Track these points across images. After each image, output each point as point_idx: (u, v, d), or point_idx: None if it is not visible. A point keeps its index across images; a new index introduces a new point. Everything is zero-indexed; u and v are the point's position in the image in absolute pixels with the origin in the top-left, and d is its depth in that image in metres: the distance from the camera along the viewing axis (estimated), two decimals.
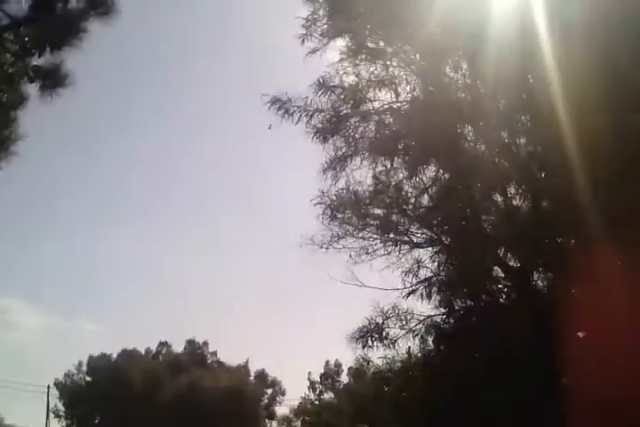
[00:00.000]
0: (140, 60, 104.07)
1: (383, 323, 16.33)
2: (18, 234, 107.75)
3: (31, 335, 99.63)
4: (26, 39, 9.32)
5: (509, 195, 15.15)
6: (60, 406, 66.79)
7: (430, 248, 16.38)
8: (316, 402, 39.42)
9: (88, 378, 67.26)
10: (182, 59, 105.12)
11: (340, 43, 15.81)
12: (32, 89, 9.74)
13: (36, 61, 9.49)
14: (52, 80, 9.51)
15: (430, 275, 16.14)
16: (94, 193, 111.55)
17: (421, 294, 16.05)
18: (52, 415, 65.57)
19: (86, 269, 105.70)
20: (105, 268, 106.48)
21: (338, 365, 68.18)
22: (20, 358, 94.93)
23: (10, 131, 10.13)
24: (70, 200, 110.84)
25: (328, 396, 55.92)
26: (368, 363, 17.33)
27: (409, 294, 16.05)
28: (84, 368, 67.79)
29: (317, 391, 67.70)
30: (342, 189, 16.55)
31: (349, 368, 39.63)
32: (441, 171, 15.66)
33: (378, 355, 16.97)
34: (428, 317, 16.21)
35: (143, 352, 69.02)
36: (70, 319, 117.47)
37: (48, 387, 65.07)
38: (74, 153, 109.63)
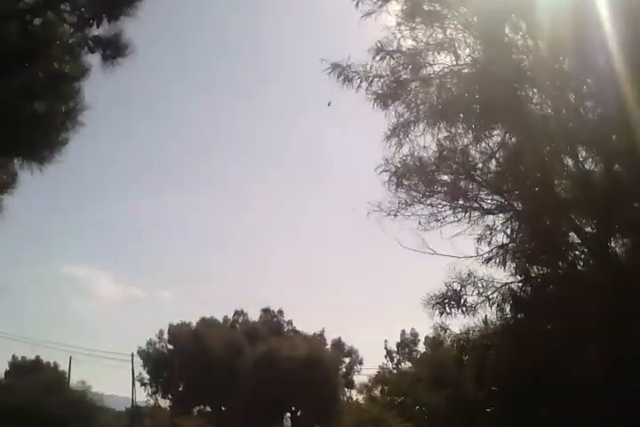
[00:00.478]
0: (197, 22, 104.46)
1: (461, 289, 16.09)
2: (90, 207, 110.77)
3: (111, 304, 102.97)
4: (82, 10, 9.24)
5: (580, 158, 14.55)
6: (145, 374, 68.66)
7: (502, 214, 16.03)
8: (394, 371, 39.31)
9: (170, 346, 68.81)
10: (240, 22, 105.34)
11: (395, 6, 15.29)
12: (94, 59, 9.70)
13: (95, 32, 9.42)
14: (113, 50, 9.46)
15: (504, 242, 15.76)
16: (162, 161, 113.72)
17: (496, 262, 15.72)
18: (137, 383, 67.73)
19: (161, 239, 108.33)
20: (180, 237, 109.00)
21: (414, 334, 68.17)
22: (103, 327, 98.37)
23: (75, 102, 10.16)
24: (139, 169, 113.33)
25: (406, 365, 55.98)
26: (446, 331, 17.02)
27: (486, 261, 15.67)
28: (166, 336, 69.37)
29: (395, 361, 67.94)
30: (407, 155, 16.22)
31: (426, 337, 39.39)
32: (507, 135, 15.15)
33: (455, 322, 16.73)
34: (505, 284, 15.89)
35: (221, 321, 70.17)
36: (149, 289, 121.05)
37: (132, 355, 67.07)
38: (138, 120, 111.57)
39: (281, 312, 73.13)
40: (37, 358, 69.67)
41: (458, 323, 16.81)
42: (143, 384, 68.64)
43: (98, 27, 9.29)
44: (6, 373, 66.30)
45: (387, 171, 16.40)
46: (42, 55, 9.59)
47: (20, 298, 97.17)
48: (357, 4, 15.32)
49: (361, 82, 15.49)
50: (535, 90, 14.63)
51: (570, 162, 14.70)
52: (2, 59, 9.03)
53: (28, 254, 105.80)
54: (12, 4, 9.37)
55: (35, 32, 9.47)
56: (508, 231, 15.81)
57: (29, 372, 60.64)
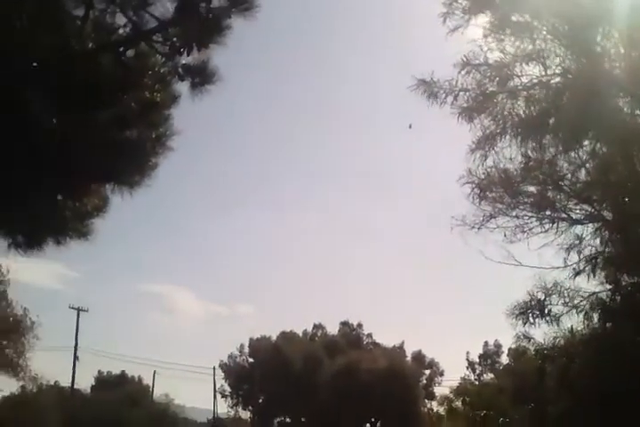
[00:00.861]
0: (286, 45, 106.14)
1: (545, 299, 16.07)
2: (169, 227, 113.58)
3: (194, 320, 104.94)
4: (174, 39, 9.65)
5: None
6: (226, 387, 69.69)
7: (591, 224, 15.93)
8: (476, 382, 38.92)
9: (250, 359, 69.60)
10: (325, 42, 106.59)
11: (483, 19, 15.32)
12: (183, 87, 10.11)
13: (184, 60, 9.83)
14: (201, 77, 9.83)
15: (593, 251, 15.64)
16: (243, 180, 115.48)
17: (585, 271, 15.63)
18: (218, 395, 68.79)
19: (240, 256, 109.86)
20: (257, 254, 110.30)
21: (497, 346, 67.05)
22: (185, 342, 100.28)
23: (165, 128, 10.59)
24: (219, 188, 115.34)
25: (488, 377, 55.23)
26: (529, 340, 17.01)
27: (575, 273, 15.62)
28: (247, 350, 70.21)
29: (477, 372, 67.02)
30: (491, 167, 16.28)
31: (509, 349, 38.93)
32: (598, 144, 15.06)
33: (539, 332, 16.68)
34: (593, 293, 15.81)
35: (300, 334, 70.60)
36: (229, 304, 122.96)
37: (214, 368, 68.33)
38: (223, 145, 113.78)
39: (360, 325, 73.14)
40: (123, 372, 71.63)
41: (541, 333, 16.80)
42: (224, 396, 69.72)
43: (188, 55, 9.66)
44: (92, 387, 68.38)
45: (470, 182, 16.52)
46: (135, 85, 10.07)
47: (106, 315, 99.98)
48: (445, 20, 15.40)
49: (446, 97, 15.59)
50: (627, 98, 14.54)
51: None
52: (97, 90, 9.53)
53: (114, 273, 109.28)
54: (106, 36, 9.86)
55: (128, 63, 9.95)
56: (598, 241, 15.72)
57: (115, 386, 62.35)
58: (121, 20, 9.58)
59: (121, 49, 9.99)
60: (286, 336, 67.43)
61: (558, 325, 16.31)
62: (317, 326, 74.15)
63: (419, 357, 68.80)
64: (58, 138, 9.49)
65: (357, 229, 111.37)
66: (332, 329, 73.15)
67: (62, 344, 61.92)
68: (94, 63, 9.69)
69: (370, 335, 72.69)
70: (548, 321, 16.21)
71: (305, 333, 71.80)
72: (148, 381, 66.80)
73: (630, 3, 12.98)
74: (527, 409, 19.65)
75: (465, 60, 15.40)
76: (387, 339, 76.81)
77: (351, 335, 71.27)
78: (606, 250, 15.50)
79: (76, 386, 58.01)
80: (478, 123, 15.81)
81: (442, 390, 64.11)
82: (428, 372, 69.41)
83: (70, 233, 11.11)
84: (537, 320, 16.21)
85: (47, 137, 9.40)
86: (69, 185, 10.50)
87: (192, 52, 9.63)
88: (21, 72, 8.98)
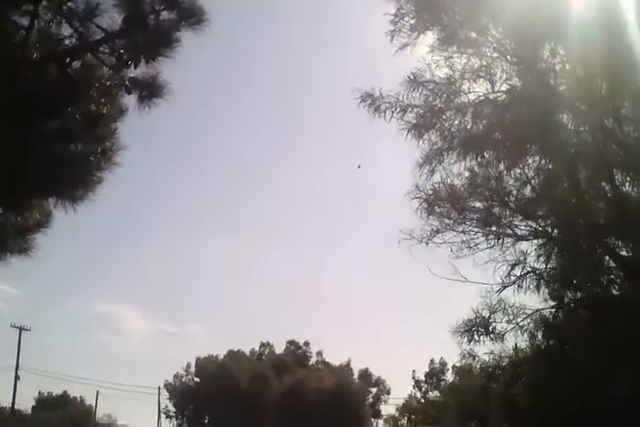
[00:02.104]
0: (234, 62, 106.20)
1: (490, 317, 16.05)
2: (122, 242, 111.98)
3: (140, 339, 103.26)
4: (121, 51, 9.47)
5: (617, 182, 14.57)
6: (171, 407, 68.81)
7: (535, 240, 16.00)
8: (422, 400, 38.86)
9: (196, 379, 68.78)
10: (275, 59, 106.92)
11: (430, 36, 15.40)
12: (130, 100, 9.89)
13: (132, 73, 9.63)
14: (149, 91, 9.64)
15: (536, 267, 15.72)
16: (193, 201, 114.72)
17: (528, 288, 15.70)
18: (163, 416, 67.67)
19: (188, 275, 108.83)
20: (206, 273, 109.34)
21: (443, 363, 67.44)
22: (131, 362, 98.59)
23: (111, 142, 10.34)
24: (171, 208, 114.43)
25: (434, 394, 55.33)
26: (474, 358, 16.94)
27: (515, 286, 15.67)
28: (192, 369, 69.37)
29: (423, 390, 67.24)
30: (439, 182, 16.34)
31: (454, 367, 39.12)
32: (543, 161, 15.18)
33: (484, 350, 16.66)
34: (537, 310, 15.85)
35: (248, 353, 70.06)
36: (177, 324, 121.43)
37: (159, 388, 67.24)
38: (173, 159, 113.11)
39: (307, 344, 72.94)
40: (64, 392, 70.18)
41: (486, 351, 16.80)
42: (169, 417, 68.76)
43: (135, 68, 9.50)
44: (33, 408, 66.72)
45: (418, 198, 16.52)
46: (80, 98, 9.83)
47: (48, 334, 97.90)
48: (392, 38, 15.41)
49: (393, 112, 15.58)
50: (572, 115, 14.66)
51: (606, 186, 14.74)
52: (41, 101, 9.28)
53: (57, 291, 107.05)
54: (52, 47, 9.64)
55: (74, 75, 9.72)
56: (542, 257, 15.80)
57: (56, 406, 60.96)
58: (67, 30, 9.38)
59: (67, 60, 9.73)
60: (233, 355, 66.93)
61: (503, 342, 16.33)
62: (265, 345, 73.84)
63: (365, 375, 68.80)
64: None
65: (304, 246, 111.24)
66: (280, 348, 72.84)
67: (3, 364, 60.34)
68: (39, 74, 9.45)
69: (320, 353, 72.60)
70: (492, 339, 16.19)
71: (252, 351, 71.37)
72: (91, 401, 65.50)
73: (576, 20, 13.12)
74: (472, 426, 19.62)
75: (412, 77, 15.43)
76: (334, 357, 76.71)
77: (298, 354, 70.97)
78: (549, 266, 15.59)
79: (16, 406, 56.60)
80: (426, 138, 15.80)
81: (388, 408, 64.31)
82: (374, 390, 69.45)
83: (11, 249, 10.75)
84: (482, 338, 16.16)
85: None
86: (10, 198, 10.16)
87: (140, 64, 9.46)
88: None
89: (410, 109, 15.61)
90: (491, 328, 16.04)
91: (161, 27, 9.29)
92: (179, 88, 9.89)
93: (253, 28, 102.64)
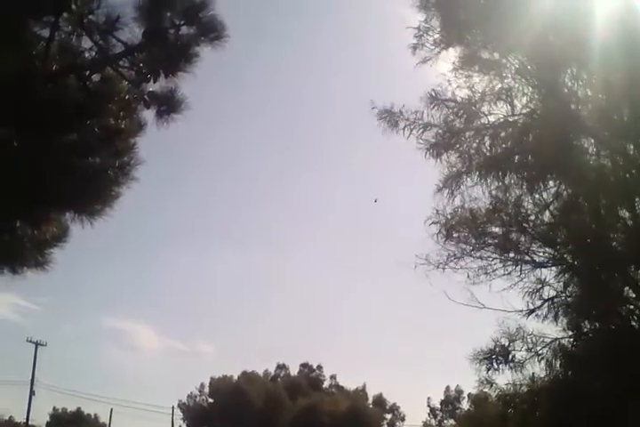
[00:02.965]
0: (249, 78, 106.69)
1: (509, 345, 15.74)
2: (135, 260, 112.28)
3: (153, 357, 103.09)
4: (140, 65, 9.44)
5: (637, 210, 14.28)
6: None
7: (554, 267, 15.71)
8: None
9: (210, 400, 68.37)
10: (292, 72, 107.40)
11: (453, 53, 15.33)
12: (149, 115, 9.84)
13: (151, 87, 9.59)
14: (168, 106, 9.59)
15: (555, 295, 15.40)
16: (210, 217, 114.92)
17: (547, 316, 15.39)
18: None
19: (203, 295, 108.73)
20: (221, 292, 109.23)
21: (459, 391, 66.54)
22: (145, 380, 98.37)
23: (130, 156, 10.28)
24: (186, 226, 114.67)
25: (449, 423, 54.63)
26: (492, 386, 16.58)
27: (533, 315, 15.37)
28: (207, 390, 69.00)
29: (438, 418, 66.36)
30: (458, 207, 16.13)
31: (469, 394, 38.51)
32: (562, 186, 14.94)
33: (501, 378, 16.31)
34: (555, 339, 15.50)
35: (262, 374, 69.65)
36: (190, 342, 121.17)
37: (173, 408, 67.00)
38: (189, 173, 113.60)
39: (320, 367, 72.45)
40: (79, 409, 70.09)
41: (504, 379, 16.46)
42: None
43: (154, 82, 9.46)
44: (47, 424, 66.67)
45: (436, 222, 16.30)
46: (99, 111, 9.79)
47: (63, 350, 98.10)
48: (414, 51, 15.34)
49: (412, 130, 15.46)
50: (593, 140, 14.45)
51: (626, 214, 14.46)
52: (60, 114, 9.26)
53: (71, 307, 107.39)
54: (71, 59, 9.63)
55: (93, 88, 9.69)
56: (561, 285, 15.50)
57: (70, 423, 60.87)
58: (87, 43, 9.29)
59: (86, 73, 9.70)
60: (247, 376, 66.50)
61: (522, 371, 15.99)
62: (280, 367, 73.39)
63: (379, 400, 68.09)
64: (16, 162, 9.14)
65: (319, 265, 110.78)
66: (294, 370, 72.45)
67: (19, 379, 60.50)
68: (58, 86, 9.42)
69: (333, 377, 72.06)
70: (511, 367, 15.89)
71: (266, 373, 70.92)
72: (105, 419, 65.38)
73: (599, 44, 12.96)
74: None
75: (433, 94, 15.31)
76: (348, 381, 76.02)
77: (311, 377, 70.48)
78: (568, 294, 15.28)
79: (31, 422, 56.56)
80: (445, 159, 15.65)
81: None
82: (389, 416, 68.66)
83: (28, 262, 10.68)
84: (500, 366, 15.88)
85: (5, 161, 9.04)
86: (27, 212, 10.10)
87: (159, 78, 9.42)
88: None
89: (429, 128, 15.50)
90: (510, 356, 15.75)
91: (180, 41, 9.28)
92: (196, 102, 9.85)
93: (273, 37, 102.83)
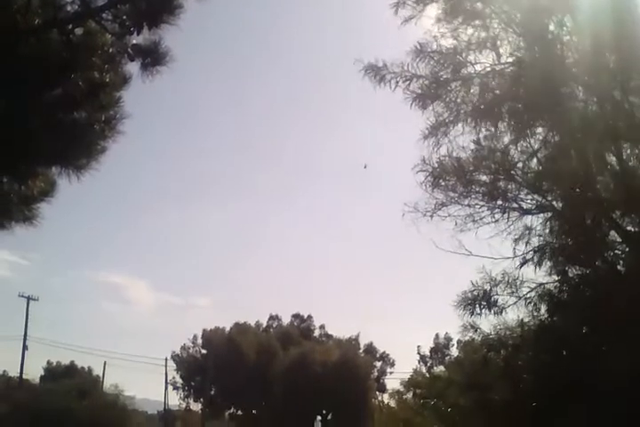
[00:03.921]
0: (236, 31, 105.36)
1: (491, 290, 15.94)
2: (127, 212, 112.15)
3: (146, 310, 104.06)
4: (123, 18, 9.33)
5: (624, 156, 14.36)
6: (178, 378, 69.16)
7: (541, 214, 15.84)
8: (427, 375, 38.99)
9: (203, 351, 69.15)
10: (277, 29, 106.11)
11: (436, 8, 15.20)
12: (133, 68, 9.76)
13: (134, 40, 9.49)
14: (152, 58, 9.51)
15: (542, 242, 15.57)
16: (201, 171, 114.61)
17: (533, 262, 15.56)
18: (170, 387, 68.26)
19: (195, 248, 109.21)
20: (213, 246, 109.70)
21: (448, 338, 67.52)
22: (138, 332, 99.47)
23: (115, 110, 10.23)
24: (177, 179, 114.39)
25: (438, 369, 55.58)
26: (476, 331, 16.85)
27: (523, 262, 15.53)
28: (200, 341, 69.72)
29: (428, 365, 67.43)
30: (445, 155, 16.11)
31: (458, 341, 39.07)
32: (550, 133, 14.97)
33: (486, 323, 16.60)
34: (540, 284, 15.70)
35: (254, 325, 70.37)
36: (185, 296, 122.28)
37: (166, 360, 67.79)
38: (178, 128, 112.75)
39: (310, 317, 73.37)
40: (72, 362, 70.85)
41: (489, 322, 16.74)
42: (176, 388, 69.24)
43: (138, 35, 9.34)
44: (41, 377, 67.42)
45: (423, 171, 16.32)
46: (83, 65, 9.69)
47: (56, 304, 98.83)
48: (397, 11, 15.24)
49: (398, 82, 15.37)
50: (580, 87, 14.44)
51: (613, 160, 14.54)
52: (43, 69, 9.17)
53: (64, 261, 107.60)
54: (53, 13, 9.48)
55: (76, 42, 9.57)
56: (547, 231, 15.67)
57: (64, 376, 61.52)
58: None
59: (69, 27, 9.59)
60: (240, 327, 67.13)
61: (506, 316, 16.27)
62: (273, 318, 74.13)
63: (370, 349, 69.19)
64: (1, 118, 9.09)
65: (310, 218, 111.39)
66: (286, 321, 73.30)
67: (11, 333, 60.94)
68: (40, 40, 9.31)
69: (322, 327, 73.02)
70: (495, 312, 16.13)
71: (258, 324, 71.66)
72: (98, 371, 66.19)
73: None
74: (471, 396, 19.48)
75: (418, 47, 15.22)
76: (340, 331, 77.12)
77: (302, 327, 71.40)
78: (555, 241, 15.45)
79: (24, 376, 57.22)
80: (432, 110, 15.62)
81: (393, 382, 64.67)
82: (379, 364, 69.82)
83: (16, 217, 10.71)
84: (484, 311, 16.12)
85: None
86: (14, 167, 10.09)
87: (142, 31, 9.32)
88: None
89: (415, 80, 15.41)
90: (492, 301, 15.97)
91: None
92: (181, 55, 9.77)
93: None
